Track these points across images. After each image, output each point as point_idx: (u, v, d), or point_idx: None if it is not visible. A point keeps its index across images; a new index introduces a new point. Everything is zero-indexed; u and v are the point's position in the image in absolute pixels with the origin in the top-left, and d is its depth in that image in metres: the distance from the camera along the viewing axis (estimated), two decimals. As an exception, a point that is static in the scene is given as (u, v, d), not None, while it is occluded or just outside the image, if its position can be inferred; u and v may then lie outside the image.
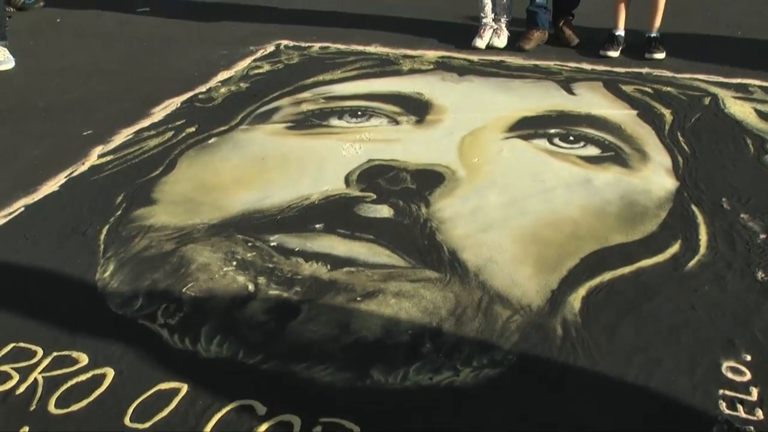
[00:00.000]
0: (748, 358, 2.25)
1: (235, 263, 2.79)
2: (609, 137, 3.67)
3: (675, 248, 2.81)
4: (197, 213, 3.16)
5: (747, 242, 2.83)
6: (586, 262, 2.74)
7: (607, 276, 2.65)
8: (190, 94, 4.51)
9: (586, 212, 3.05)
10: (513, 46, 5.15)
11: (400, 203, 3.10)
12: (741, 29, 5.34)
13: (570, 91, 4.30)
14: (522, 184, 3.28)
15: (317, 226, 2.99)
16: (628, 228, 2.94)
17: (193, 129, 3.99)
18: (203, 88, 4.59)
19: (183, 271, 2.76)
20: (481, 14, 5.24)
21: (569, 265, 2.72)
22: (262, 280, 2.68)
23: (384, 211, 3.06)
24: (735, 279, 2.62)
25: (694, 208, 3.07)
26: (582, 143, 3.61)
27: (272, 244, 2.90)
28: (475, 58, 4.97)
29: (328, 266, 2.74)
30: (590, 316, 2.46)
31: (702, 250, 2.79)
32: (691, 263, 2.72)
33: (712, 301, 2.51)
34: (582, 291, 2.58)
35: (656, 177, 3.31)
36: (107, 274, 2.79)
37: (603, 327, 2.41)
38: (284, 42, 5.42)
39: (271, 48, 5.31)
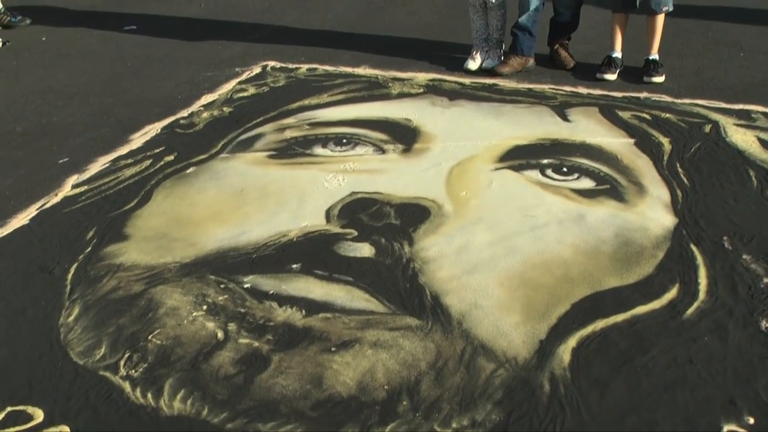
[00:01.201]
0: (751, 420, 2.10)
1: (205, 307, 2.65)
2: (604, 168, 3.50)
3: (672, 293, 2.64)
4: (170, 250, 3.02)
5: (750, 287, 2.66)
6: (578, 308, 2.58)
7: (599, 324, 2.50)
8: (171, 119, 4.37)
9: (579, 252, 2.89)
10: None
11: (382, 241, 2.95)
12: (744, 51, 5.18)
13: (564, 117, 4.13)
14: (511, 221, 3.12)
15: (294, 266, 2.85)
16: (623, 270, 2.78)
17: (171, 157, 3.85)
18: (185, 113, 4.45)
19: (150, 316, 2.64)
20: (473, 35, 5.08)
21: (559, 311, 2.57)
22: (232, 326, 2.55)
23: (365, 250, 2.91)
24: (737, 329, 2.46)
25: (693, 247, 2.90)
26: (576, 175, 3.45)
27: (246, 285, 2.75)
28: (466, 80, 4.81)
29: (303, 311, 2.60)
30: (580, 370, 2.31)
31: (701, 295, 2.63)
32: (690, 310, 2.55)
33: (711, 354, 2.35)
34: (572, 341, 2.42)
35: (653, 213, 3.15)
36: (71, 318, 2.67)
37: (594, 383, 2.26)
38: (271, 63, 5.26)
39: (257, 69, 5.16)
